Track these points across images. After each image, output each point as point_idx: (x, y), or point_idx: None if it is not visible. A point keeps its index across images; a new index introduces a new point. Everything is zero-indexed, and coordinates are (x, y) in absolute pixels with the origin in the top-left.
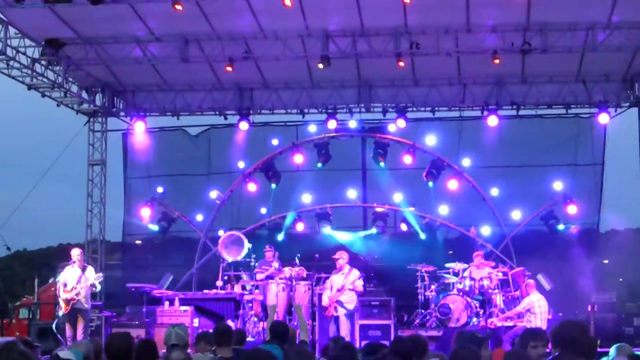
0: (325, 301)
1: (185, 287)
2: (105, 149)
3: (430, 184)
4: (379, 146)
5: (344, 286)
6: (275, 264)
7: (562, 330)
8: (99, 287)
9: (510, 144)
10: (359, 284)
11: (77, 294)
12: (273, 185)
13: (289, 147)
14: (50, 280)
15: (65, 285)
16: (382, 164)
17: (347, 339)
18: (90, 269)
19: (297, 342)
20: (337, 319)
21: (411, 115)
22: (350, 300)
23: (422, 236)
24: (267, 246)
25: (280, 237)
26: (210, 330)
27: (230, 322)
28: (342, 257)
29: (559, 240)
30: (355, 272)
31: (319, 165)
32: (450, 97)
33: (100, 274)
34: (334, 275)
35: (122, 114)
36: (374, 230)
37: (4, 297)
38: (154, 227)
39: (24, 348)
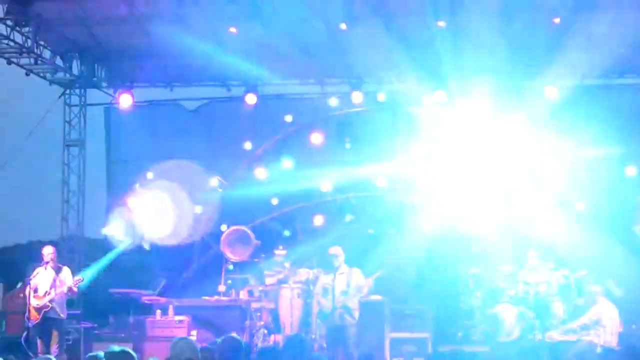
0: (326, 308)
1: (181, 292)
2: (84, 127)
3: None
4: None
5: (349, 289)
6: (287, 265)
7: None
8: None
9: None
10: (367, 285)
11: (50, 301)
12: (287, 169)
13: (305, 125)
14: (19, 285)
15: (36, 290)
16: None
17: (355, 354)
18: (65, 270)
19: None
20: (342, 329)
21: None
22: (357, 307)
23: None
24: (279, 245)
25: (286, 233)
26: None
27: (234, 335)
28: (339, 254)
29: (632, 236)
30: (359, 272)
31: (348, 147)
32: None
33: (80, 277)
34: (329, 277)
35: (104, 84)
36: None
37: None
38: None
39: None
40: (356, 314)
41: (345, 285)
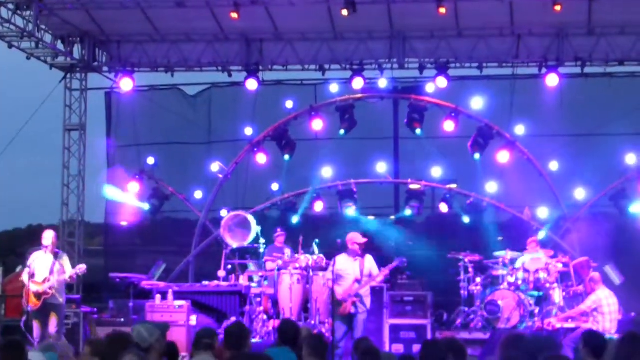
0: (339, 294)
1: (181, 277)
2: (85, 112)
3: (477, 156)
4: (414, 110)
5: (362, 277)
6: (288, 251)
7: None
8: (75, 274)
9: (574, 108)
10: (384, 274)
11: (50, 287)
12: (286, 157)
13: (305, 111)
14: (18, 269)
15: (33, 275)
16: (418, 131)
17: None
18: (65, 258)
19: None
20: (353, 317)
21: (454, 73)
22: (368, 295)
23: (466, 220)
24: (278, 229)
25: (295, 219)
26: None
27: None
28: (359, 240)
29: (632, 224)
30: (372, 259)
31: (342, 132)
32: (501, 51)
33: (83, 266)
34: (345, 263)
35: (105, 69)
36: (407, 212)
37: None
38: (144, 206)
39: None
40: (368, 302)
41: (359, 273)
